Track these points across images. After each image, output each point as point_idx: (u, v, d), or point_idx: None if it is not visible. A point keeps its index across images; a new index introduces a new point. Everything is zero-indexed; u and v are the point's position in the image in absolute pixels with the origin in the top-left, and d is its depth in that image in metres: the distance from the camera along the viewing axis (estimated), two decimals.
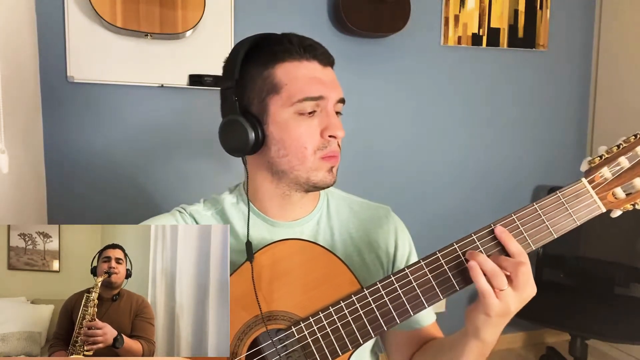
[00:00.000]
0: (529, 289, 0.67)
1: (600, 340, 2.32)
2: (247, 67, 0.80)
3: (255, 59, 0.79)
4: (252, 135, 0.78)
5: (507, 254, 0.69)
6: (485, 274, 0.66)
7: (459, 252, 0.70)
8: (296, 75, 0.77)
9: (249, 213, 0.84)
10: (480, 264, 0.67)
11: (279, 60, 0.78)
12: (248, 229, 0.82)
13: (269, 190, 0.84)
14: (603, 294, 2.23)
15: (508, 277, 0.66)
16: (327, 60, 0.81)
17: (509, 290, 0.66)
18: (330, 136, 0.78)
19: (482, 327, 0.70)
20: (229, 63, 0.82)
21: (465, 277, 0.70)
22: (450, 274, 0.70)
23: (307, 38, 0.81)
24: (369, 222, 0.91)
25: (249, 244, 0.76)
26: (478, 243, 0.70)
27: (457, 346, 0.76)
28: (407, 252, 0.92)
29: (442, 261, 0.70)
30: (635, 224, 2.20)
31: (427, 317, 0.91)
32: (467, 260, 0.69)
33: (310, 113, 0.78)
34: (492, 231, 0.70)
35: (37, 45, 1.83)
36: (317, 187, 0.81)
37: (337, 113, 0.82)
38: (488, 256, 0.68)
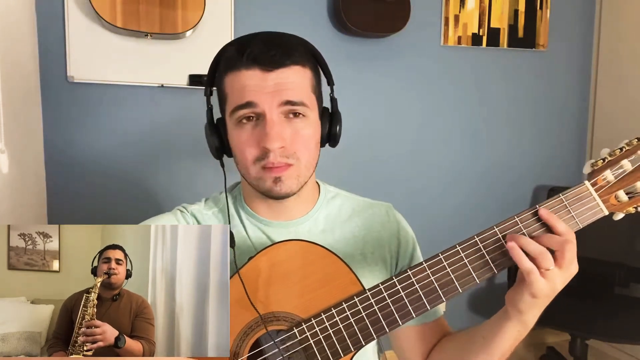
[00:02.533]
0: (573, 267, 0.66)
1: (600, 340, 2.32)
2: (217, 78, 0.84)
3: (218, 69, 0.83)
4: (214, 142, 0.83)
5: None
6: (529, 255, 0.66)
7: (462, 255, 0.70)
8: (233, 86, 0.78)
9: (228, 210, 0.87)
10: (523, 246, 0.66)
11: (226, 71, 0.80)
12: (229, 220, 0.86)
13: (253, 193, 0.85)
14: (603, 294, 2.23)
15: (553, 255, 0.66)
16: (274, 63, 0.75)
17: (555, 269, 0.65)
18: (264, 147, 0.75)
19: (526, 310, 0.69)
20: (207, 73, 0.86)
21: (467, 279, 0.70)
22: (452, 276, 0.70)
23: (254, 42, 0.77)
24: (371, 220, 0.91)
25: (230, 233, 0.77)
26: (480, 245, 0.70)
27: (493, 332, 0.75)
28: (410, 248, 0.92)
29: (445, 263, 0.70)
30: (634, 224, 2.20)
31: (440, 309, 0.90)
32: (506, 243, 0.68)
33: (248, 119, 0.77)
34: (497, 232, 0.70)
35: (37, 45, 1.83)
36: (272, 196, 0.79)
37: (296, 114, 0.77)
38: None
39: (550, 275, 0.65)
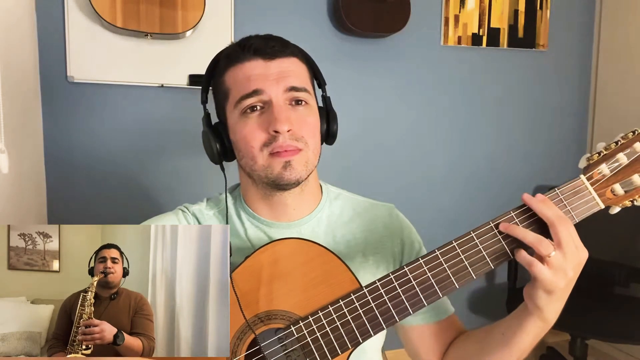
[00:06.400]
0: (580, 252, 0.66)
1: (600, 340, 2.32)
2: (213, 80, 0.85)
3: (216, 71, 0.84)
4: (216, 145, 0.83)
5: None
6: (529, 246, 0.65)
7: (458, 250, 0.70)
8: (237, 78, 0.79)
9: (227, 218, 0.86)
10: (518, 235, 0.66)
11: (227, 67, 0.81)
12: (227, 220, 0.86)
13: (255, 192, 0.85)
14: (603, 294, 2.23)
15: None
16: (275, 53, 0.79)
17: (557, 255, 0.64)
18: (274, 131, 0.76)
19: (544, 306, 0.68)
20: (203, 78, 0.87)
21: (463, 274, 0.70)
22: (449, 272, 0.70)
23: (254, 37, 0.81)
24: (373, 221, 0.90)
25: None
26: (477, 241, 0.70)
27: (513, 328, 0.74)
28: (415, 249, 0.91)
29: (441, 259, 0.70)
30: (635, 223, 2.20)
31: (451, 307, 0.90)
32: (501, 233, 0.69)
33: (253, 110, 0.78)
34: (493, 227, 0.70)
35: (37, 45, 1.83)
36: (281, 185, 0.79)
37: (298, 102, 0.79)
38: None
39: (555, 263, 0.64)
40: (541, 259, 0.65)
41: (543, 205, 0.68)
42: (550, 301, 0.67)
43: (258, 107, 0.78)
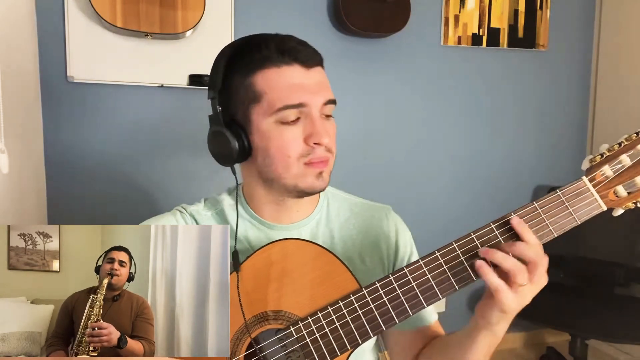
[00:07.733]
0: (543, 280, 0.67)
1: (600, 340, 2.32)
2: (230, 75, 0.79)
3: (237, 67, 0.78)
4: (235, 145, 0.78)
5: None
6: (504, 271, 0.66)
7: (458, 252, 0.70)
8: (276, 83, 0.75)
9: (237, 222, 0.84)
10: (499, 262, 0.66)
11: (259, 67, 0.76)
12: (235, 237, 0.82)
13: (263, 196, 0.84)
14: (603, 294, 2.23)
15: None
16: (311, 61, 0.77)
17: (528, 285, 0.66)
18: (315, 143, 0.76)
19: (496, 323, 0.69)
20: (212, 72, 0.81)
21: (463, 276, 0.70)
22: (449, 274, 0.70)
23: (289, 40, 0.77)
24: (370, 223, 0.90)
25: (235, 253, 0.75)
26: (477, 242, 0.70)
27: (467, 341, 0.75)
28: (407, 252, 0.91)
29: (441, 260, 0.70)
30: (635, 223, 2.20)
31: (432, 315, 0.90)
32: (472, 261, 0.69)
33: (292, 121, 0.76)
34: (493, 229, 0.70)
35: (37, 45, 1.83)
36: (307, 193, 0.79)
37: (327, 116, 0.79)
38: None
39: (522, 291, 0.66)
40: (509, 280, 0.66)
41: (528, 232, 0.68)
42: (503, 319, 0.69)
43: (296, 118, 0.77)
